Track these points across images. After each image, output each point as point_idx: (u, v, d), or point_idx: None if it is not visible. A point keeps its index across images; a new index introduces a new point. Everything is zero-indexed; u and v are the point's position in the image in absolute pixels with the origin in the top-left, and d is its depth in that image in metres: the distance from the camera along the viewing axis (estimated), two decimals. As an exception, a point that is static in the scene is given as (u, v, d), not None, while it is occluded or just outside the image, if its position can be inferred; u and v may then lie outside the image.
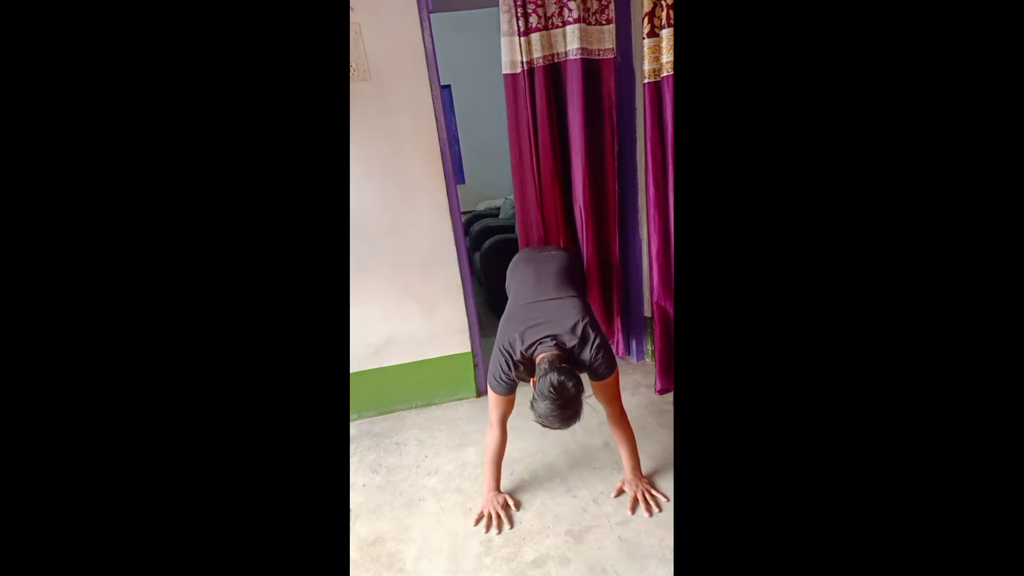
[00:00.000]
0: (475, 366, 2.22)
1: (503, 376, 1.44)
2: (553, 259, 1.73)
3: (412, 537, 1.50)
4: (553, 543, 1.42)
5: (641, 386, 2.17)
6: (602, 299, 2.28)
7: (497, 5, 1.89)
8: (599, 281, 2.25)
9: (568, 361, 1.36)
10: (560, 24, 1.93)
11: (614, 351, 2.14)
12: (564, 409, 1.26)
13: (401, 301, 2.07)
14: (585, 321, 1.42)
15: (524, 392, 1.42)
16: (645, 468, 1.62)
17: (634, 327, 2.35)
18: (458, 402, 2.23)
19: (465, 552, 1.42)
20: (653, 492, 1.53)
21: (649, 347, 2.33)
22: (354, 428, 2.10)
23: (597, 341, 1.41)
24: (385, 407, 2.18)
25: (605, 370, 1.43)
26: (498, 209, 4.20)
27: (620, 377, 1.53)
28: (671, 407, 1.98)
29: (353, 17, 1.75)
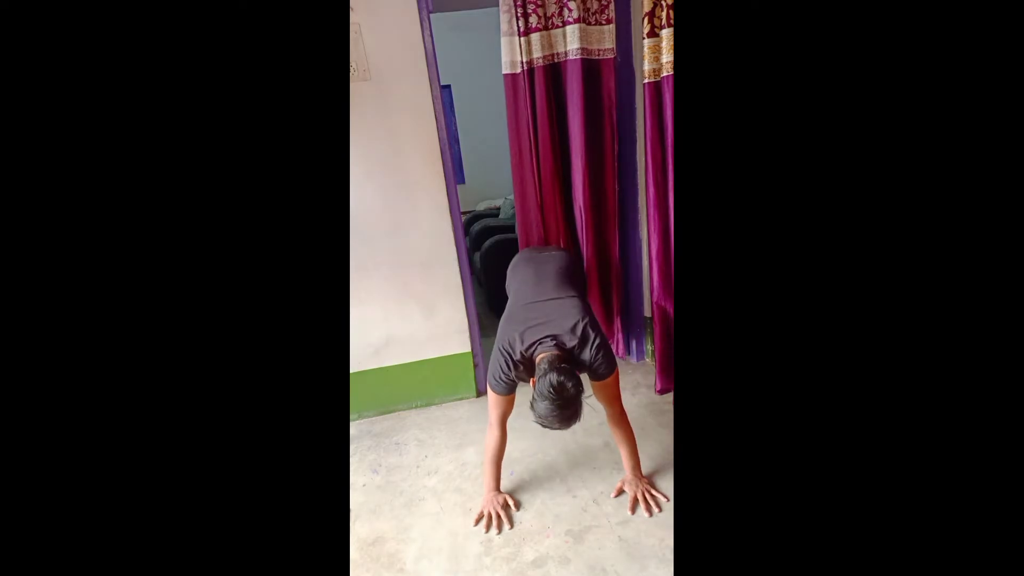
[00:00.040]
0: (475, 366, 2.22)
1: (503, 376, 1.44)
2: (553, 259, 1.73)
3: (412, 537, 1.50)
4: (553, 543, 1.42)
5: (641, 386, 2.17)
6: (602, 299, 2.28)
7: (497, 5, 1.89)
8: (599, 281, 2.25)
9: (568, 361, 1.36)
10: (560, 24, 1.93)
11: (614, 351, 2.14)
12: (564, 409, 1.26)
13: (401, 301, 2.07)
14: (585, 321, 1.42)
15: (524, 392, 1.42)
16: (645, 468, 1.62)
17: (634, 327, 2.35)
18: (458, 402, 2.23)
19: (465, 552, 1.42)
20: (653, 492, 1.53)
21: (649, 347, 2.33)
22: (354, 428, 2.10)
23: (597, 341, 1.41)
24: (385, 407, 2.18)
25: (605, 370, 1.43)
26: (498, 209, 4.20)
27: (620, 377, 1.53)
28: (671, 407, 1.98)
29: (353, 17, 1.75)
